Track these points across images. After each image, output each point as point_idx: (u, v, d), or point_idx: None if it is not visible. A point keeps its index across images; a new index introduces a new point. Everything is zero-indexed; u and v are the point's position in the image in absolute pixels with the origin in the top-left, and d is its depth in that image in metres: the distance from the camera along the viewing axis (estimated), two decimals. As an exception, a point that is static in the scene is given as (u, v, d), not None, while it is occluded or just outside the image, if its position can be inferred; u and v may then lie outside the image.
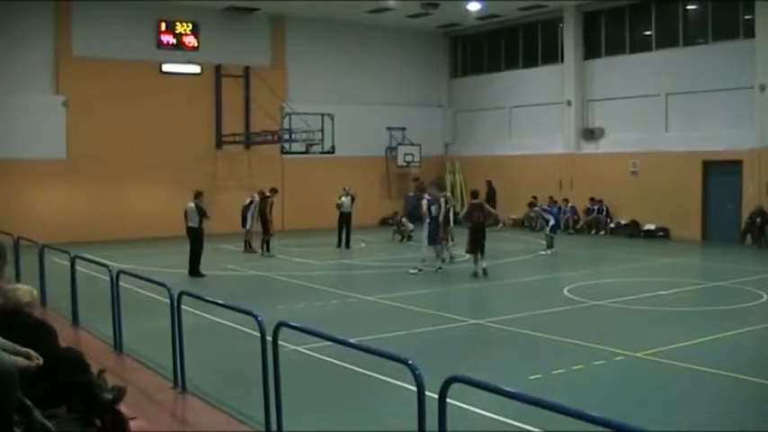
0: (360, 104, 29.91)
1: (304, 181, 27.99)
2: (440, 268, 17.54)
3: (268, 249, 20.92)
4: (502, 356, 10.22)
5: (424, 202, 17.76)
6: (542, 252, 20.95)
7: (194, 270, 17.18)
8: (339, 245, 22.45)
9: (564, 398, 4.77)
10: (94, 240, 23.21)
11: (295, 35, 29.06)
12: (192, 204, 17.43)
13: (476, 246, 16.74)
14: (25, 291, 6.09)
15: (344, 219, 22.64)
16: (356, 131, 28.71)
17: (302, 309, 13.35)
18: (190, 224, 17.41)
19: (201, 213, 17.34)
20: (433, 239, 17.30)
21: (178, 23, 26.61)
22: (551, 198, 26.38)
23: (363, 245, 22.38)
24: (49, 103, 24.61)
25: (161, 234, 23.94)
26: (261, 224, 21.17)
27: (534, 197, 25.38)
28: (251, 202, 21.57)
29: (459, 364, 9.09)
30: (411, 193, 24.94)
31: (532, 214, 25.73)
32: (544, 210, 22.16)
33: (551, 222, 21.19)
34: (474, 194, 18.00)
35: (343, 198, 23.03)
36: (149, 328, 11.24)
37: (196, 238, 17.36)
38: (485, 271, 16.75)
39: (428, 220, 17.32)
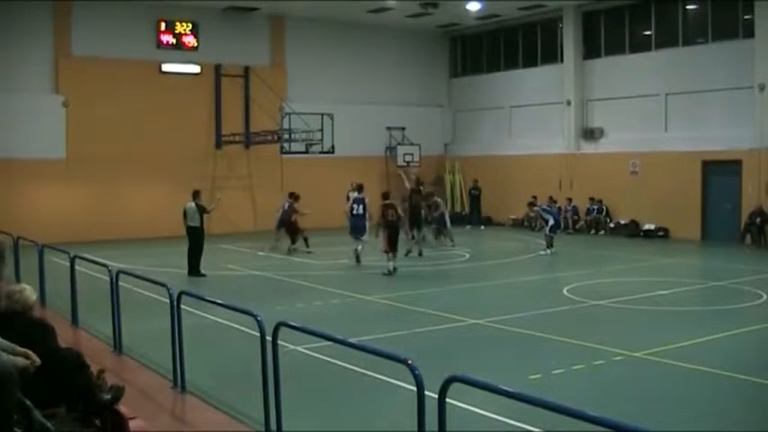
0: (359, 104, 29.90)
1: (303, 181, 27.94)
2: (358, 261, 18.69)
3: (306, 245, 21.59)
4: (501, 356, 10.22)
5: (352, 200, 19.58)
6: (542, 252, 20.96)
7: (194, 269, 17.20)
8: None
9: (564, 398, 4.77)
10: (94, 240, 23.20)
11: (295, 35, 29.06)
12: (192, 204, 17.43)
13: (391, 245, 17.34)
14: (31, 290, 6.19)
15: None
16: (356, 131, 28.70)
17: (302, 308, 13.34)
18: (190, 223, 17.41)
19: (203, 211, 17.39)
20: (357, 232, 18.96)
21: (178, 23, 26.61)
22: (551, 198, 26.39)
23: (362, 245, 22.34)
24: (48, 102, 24.60)
25: (161, 234, 23.94)
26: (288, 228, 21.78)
27: (534, 197, 25.40)
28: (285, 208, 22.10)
29: (458, 364, 9.07)
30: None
31: (532, 214, 25.72)
32: (544, 210, 22.14)
33: (551, 222, 21.19)
34: (385, 195, 18.57)
35: (351, 194, 24.23)
36: (149, 328, 11.24)
37: (197, 237, 17.37)
38: (394, 269, 17.20)
39: (350, 216, 19.19)
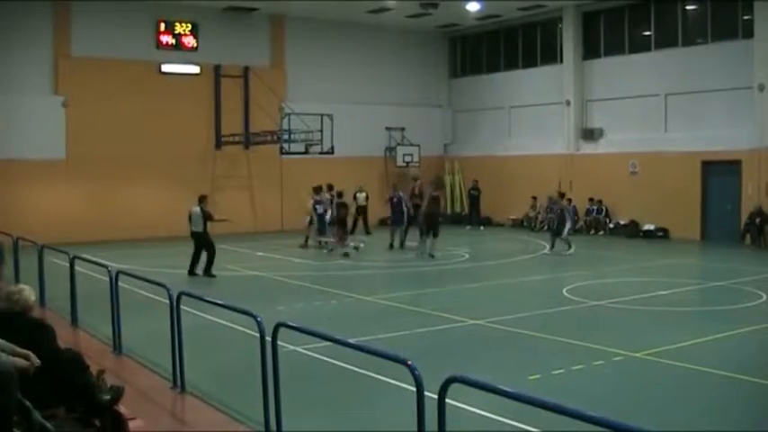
0: (359, 104, 29.90)
1: (303, 181, 27.92)
2: (332, 250, 21.08)
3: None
4: (501, 356, 10.21)
5: (311, 203, 22.48)
6: (568, 253, 20.73)
7: (193, 270, 17.14)
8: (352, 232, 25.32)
9: (563, 398, 4.77)
10: (94, 240, 23.18)
11: (294, 35, 29.06)
12: (197, 209, 17.26)
13: (345, 233, 20.97)
14: (30, 291, 6.20)
15: (360, 211, 26.53)
16: (355, 132, 28.71)
17: (301, 309, 13.35)
18: (194, 229, 17.26)
19: (207, 217, 17.24)
20: (324, 230, 21.96)
21: (177, 23, 26.60)
22: (551, 198, 26.30)
23: (363, 245, 22.40)
24: (48, 103, 24.59)
25: (160, 234, 23.94)
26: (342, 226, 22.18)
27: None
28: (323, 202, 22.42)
29: (458, 365, 9.07)
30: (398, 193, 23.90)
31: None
32: (569, 211, 21.71)
33: (568, 225, 21.13)
34: (339, 194, 21.64)
35: (359, 194, 26.59)
36: (149, 329, 11.23)
37: (205, 242, 17.21)
38: (347, 254, 20.10)
39: (317, 217, 22.03)
